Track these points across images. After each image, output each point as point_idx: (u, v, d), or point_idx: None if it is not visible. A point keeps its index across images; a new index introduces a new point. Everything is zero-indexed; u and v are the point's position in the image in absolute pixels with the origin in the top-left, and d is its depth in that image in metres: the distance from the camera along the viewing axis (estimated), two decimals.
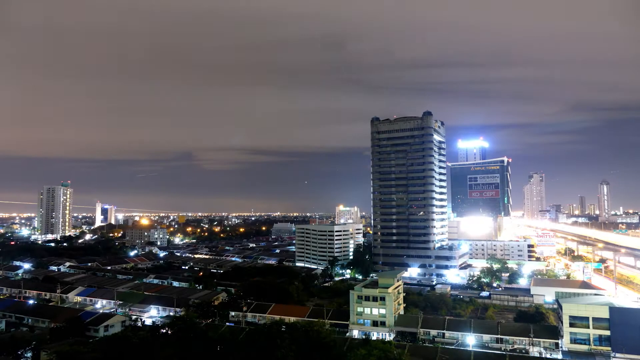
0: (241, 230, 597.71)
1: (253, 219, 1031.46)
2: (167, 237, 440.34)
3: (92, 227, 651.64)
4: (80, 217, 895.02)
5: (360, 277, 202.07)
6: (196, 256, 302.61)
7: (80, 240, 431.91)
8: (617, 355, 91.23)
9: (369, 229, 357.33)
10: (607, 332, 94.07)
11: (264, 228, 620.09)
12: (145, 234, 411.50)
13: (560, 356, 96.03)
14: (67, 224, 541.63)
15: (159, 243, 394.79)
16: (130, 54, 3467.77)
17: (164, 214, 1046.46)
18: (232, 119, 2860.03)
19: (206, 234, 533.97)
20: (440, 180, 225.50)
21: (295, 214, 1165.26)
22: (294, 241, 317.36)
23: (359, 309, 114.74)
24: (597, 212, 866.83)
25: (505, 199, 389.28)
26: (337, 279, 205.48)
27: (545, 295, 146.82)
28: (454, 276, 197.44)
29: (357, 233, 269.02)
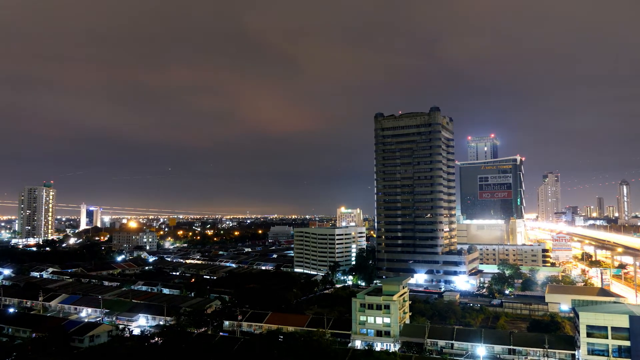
0: (236, 233, 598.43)
1: (249, 221, 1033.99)
2: (157, 241, 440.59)
3: (77, 231, 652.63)
4: (64, 219, 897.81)
5: (363, 283, 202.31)
6: (188, 261, 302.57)
7: (64, 245, 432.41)
8: None
9: (372, 232, 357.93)
10: (627, 343, 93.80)
11: (260, 231, 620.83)
12: (134, 237, 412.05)
13: None
14: (50, 227, 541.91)
15: (148, 247, 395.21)
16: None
17: (153, 217, 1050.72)
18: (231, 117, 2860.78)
19: (198, 237, 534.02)
20: (449, 180, 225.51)
21: (293, 216, 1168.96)
22: (292, 245, 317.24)
23: (362, 318, 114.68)
24: (617, 214, 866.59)
25: (518, 200, 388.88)
26: (338, 285, 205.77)
27: (561, 303, 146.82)
28: (463, 283, 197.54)
29: (359, 237, 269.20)
